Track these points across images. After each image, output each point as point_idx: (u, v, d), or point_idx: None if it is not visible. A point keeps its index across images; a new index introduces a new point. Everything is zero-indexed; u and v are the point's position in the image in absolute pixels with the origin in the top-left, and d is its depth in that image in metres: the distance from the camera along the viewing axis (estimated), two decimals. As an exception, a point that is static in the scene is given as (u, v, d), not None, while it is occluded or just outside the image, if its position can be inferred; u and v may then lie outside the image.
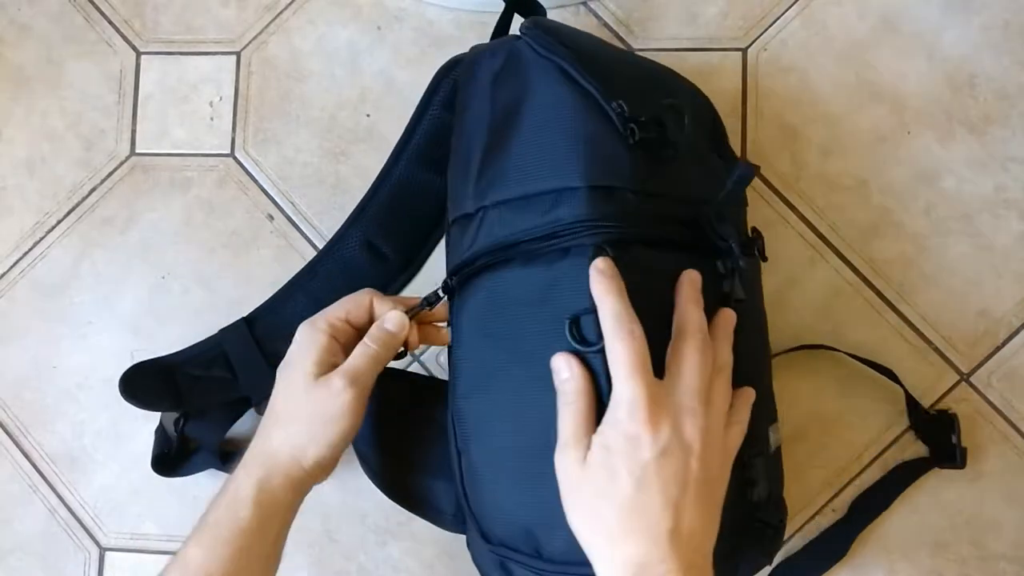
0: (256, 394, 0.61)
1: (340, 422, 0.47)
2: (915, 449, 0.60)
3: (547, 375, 0.43)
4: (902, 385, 0.59)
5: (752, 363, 0.49)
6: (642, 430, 0.38)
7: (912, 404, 0.59)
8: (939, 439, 0.59)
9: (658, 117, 0.44)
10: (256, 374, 0.61)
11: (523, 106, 0.46)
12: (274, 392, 0.49)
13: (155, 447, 0.63)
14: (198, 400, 0.62)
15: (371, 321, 0.50)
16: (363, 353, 0.48)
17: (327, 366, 0.48)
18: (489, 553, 0.47)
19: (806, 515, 0.60)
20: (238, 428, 0.63)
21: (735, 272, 0.45)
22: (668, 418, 0.39)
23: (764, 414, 0.49)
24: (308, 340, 0.49)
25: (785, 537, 0.60)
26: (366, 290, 0.51)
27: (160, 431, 0.63)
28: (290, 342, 0.51)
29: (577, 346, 0.41)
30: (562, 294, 0.42)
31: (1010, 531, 0.59)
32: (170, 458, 0.63)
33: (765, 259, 0.53)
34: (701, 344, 0.42)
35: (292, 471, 0.47)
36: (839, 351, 0.59)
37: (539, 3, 0.58)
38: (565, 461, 0.40)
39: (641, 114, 0.43)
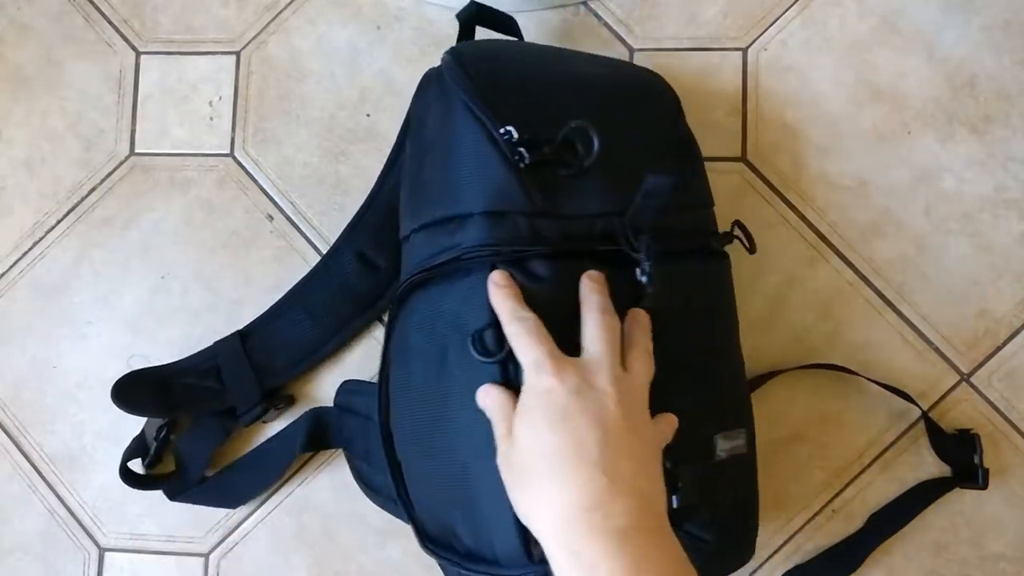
0: (242, 405, 0.62)
1: None
2: (915, 450, 0.60)
3: (463, 390, 0.44)
4: (919, 406, 0.58)
5: (694, 367, 0.49)
6: (551, 381, 0.40)
7: (931, 424, 0.58)
8: (960, 459, 0.58)
9: (565, 137, 0.46)
10: (244, 387, 0.62)
11: (438, 133, 0.49)
12: None
13: (127, 453, 0.63)
14: (187, 407, 0.62)
15: None
16: None
17: None
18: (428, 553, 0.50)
19: (806, 516, 0.60)
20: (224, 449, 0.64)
21: (648, 280, 0.46)
22: (575, 369, 0.41)
23: (710, 421, 0.49)
24: None
25: (787, 539, 0.60)
26: None
27: (139, 439, 0.64)
28: (281, 357, 0.57)
29: (481, 358, 0.43)
30: (467, 312, 0.45)
31: (1010, 531, 0.59)
32: (140, 469, 0.64)
33: (752, 251, 0.53)
34: (600, 315, 0.43)
35: None
36: (854, 373, 0.59)
37: (502, 14, 0.60)
38: (500, 455, 0.41)
39: (544, 135, 0.45)
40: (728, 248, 0.54)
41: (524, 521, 0.40)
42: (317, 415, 0.62)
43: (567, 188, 0.46)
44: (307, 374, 0.64)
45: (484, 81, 0.47)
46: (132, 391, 0.61)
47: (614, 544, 0.36)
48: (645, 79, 0.57)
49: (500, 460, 0.41)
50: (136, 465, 0.64)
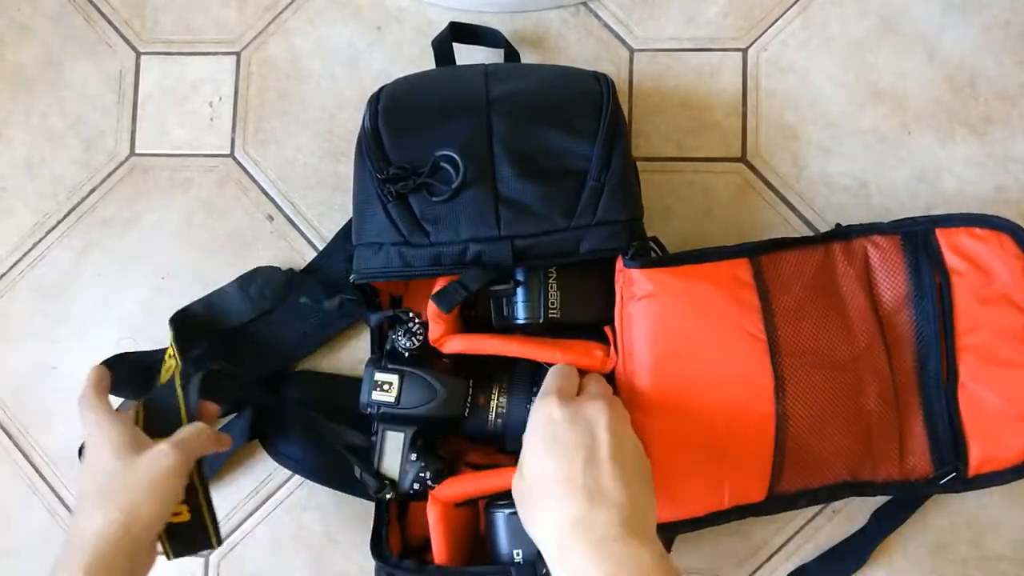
0: None
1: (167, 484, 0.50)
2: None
3: None
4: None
5: None
6: (553, 408, 0.45)
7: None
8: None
9: (434, 166, 0.51)
10: None
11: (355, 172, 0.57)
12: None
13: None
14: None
15: None
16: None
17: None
18: None
19: (806, 516, 0.60)
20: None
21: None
22: (572, 402, 0.46)
23: None
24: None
25: (787, 539, 0.60)
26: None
27: None
28: (263, 356, 0.61)
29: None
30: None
31: (1010, 531, 0.59)
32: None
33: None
34: (566, 370, 0.50)
35: (124, 545, 0.47)
36: None
37: (481, 28, 0.63)
38: (513, 480, 0.46)
39: (423, 167, 0.51)
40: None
41: (532, 538, 0.44)
42: (258, 409, 0.62)
43: (442, 214, 0.51)
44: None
45: (386, 119, 0.53)
46: (114, 372, 0.61)
47: (596, 552, 0.40)
48: (571, 90, 0.55)
49: (513, 484, 0.46)
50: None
